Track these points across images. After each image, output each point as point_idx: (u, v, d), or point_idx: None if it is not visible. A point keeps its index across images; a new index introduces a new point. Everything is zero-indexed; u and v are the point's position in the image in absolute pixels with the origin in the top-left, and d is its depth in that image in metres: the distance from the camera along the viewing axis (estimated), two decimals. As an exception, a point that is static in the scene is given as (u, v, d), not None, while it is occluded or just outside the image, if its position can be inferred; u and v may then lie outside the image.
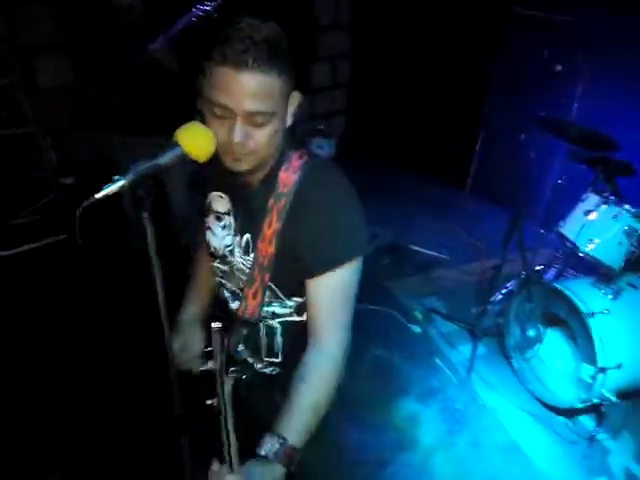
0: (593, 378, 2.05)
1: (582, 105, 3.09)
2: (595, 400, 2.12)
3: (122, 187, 0.81)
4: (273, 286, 1.08)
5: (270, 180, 1.02)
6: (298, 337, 1.13)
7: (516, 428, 2.24)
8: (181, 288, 1.35)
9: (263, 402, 1.25)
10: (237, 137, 0.88)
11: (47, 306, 2.73)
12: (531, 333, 2.36)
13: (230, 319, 1.20)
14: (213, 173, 1.08)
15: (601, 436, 2.16)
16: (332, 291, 1.01)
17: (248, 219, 1.08)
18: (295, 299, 1.11)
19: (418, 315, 2.88)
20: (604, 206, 2.22)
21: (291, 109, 0.97)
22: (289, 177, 1.01)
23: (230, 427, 0.89)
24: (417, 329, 2.78)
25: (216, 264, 1.19)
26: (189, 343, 1.26)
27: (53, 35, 3.41)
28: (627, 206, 2.18)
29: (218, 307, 1.28)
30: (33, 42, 3.34)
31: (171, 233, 3.16)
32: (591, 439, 2.13)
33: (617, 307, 2.13)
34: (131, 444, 1.98)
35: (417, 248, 3.47)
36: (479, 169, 4.46)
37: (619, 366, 2.05)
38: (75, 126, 3.75)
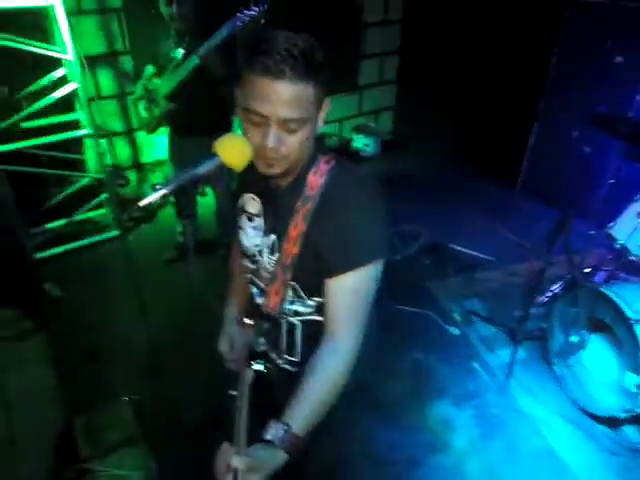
0: (639, 388, 1.95)
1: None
2: (639, 411, 2.02)
3: (163, 196, 0.89)
4: (296, 285, 1.13)
5: (299, 183, 1.07)
6: (317, 337, 1.17)
7: (554, 435, 2.18)
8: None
9: (282, 397, 1.31)
10: (271, 142, 0.94)
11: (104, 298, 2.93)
12: (574, 339, 2.27)
13: (256, 314, 1.26)
14: (247, 176, 1.14)
15: (646, 449, 2.06)
16: (349, 291, 1.05)
17: (276, 220, 1.13)
18: (316, 299, 1.15)
19: (457, 317, 2.83)
20: (657, 207, 2.10)
21: (322, 115, 1.02)
22: (316, 181, 1.05)
23: (244, 413, 0.94)
24: (455, 331, 2.75)
25: (246, 262, 1.25)
26: (237, 340, 1.34)
27: (113, 43, 3.63)
28: (681, 208, 2.06)
29: (249, 303, 1.35)
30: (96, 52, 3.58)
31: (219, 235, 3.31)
32: (635, 450, 2.03)
33: (668, 314, 2.01)
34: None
35: (460, 248, 3.40)
36: (531, 167, 4.29)
37: (668, 377, 1.94)
38: (131, 129, 3.97)
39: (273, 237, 1.14)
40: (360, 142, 4.91)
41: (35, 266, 3.17)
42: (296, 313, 1.18)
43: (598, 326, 2.23)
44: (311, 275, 1.09)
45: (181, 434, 2.05)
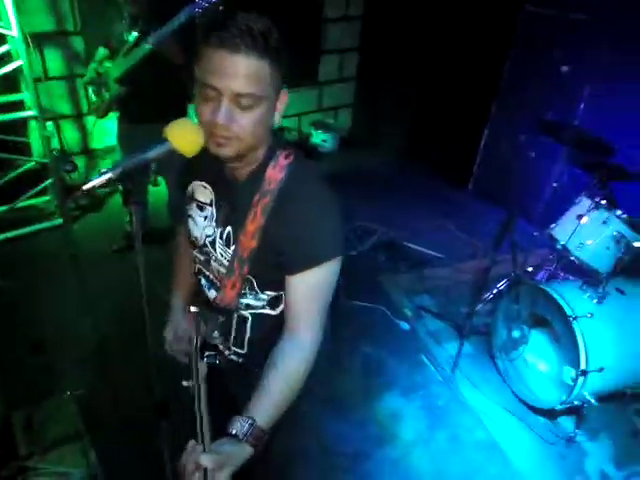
0: (574, 381, 2.07)
1: (588, 108, 3.06)
2: (576, 402, 2.14)
3: (109, 180, 0.86)
4: (252, 279, 1.12)
5: (257, 176, 1.06)
6: (266, 331, 1.17)
7: (496, 426, 2.27)
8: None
9: (234, 387, 1.30)
10: (221, 117, 0.91)
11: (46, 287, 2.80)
12: (516, 334, 2.37)
13: (207, 306, 1.24)
14: (198, 163, 1.11)
15: (580, 438, 2.18)
16: (310, 288, 1.06)
17: (231, 212, 1.11)
18: (269, 293, 1.14)
19: (407, 312, 2.90)
20: (595, 211, 2.23)
21: (280, 107, 1.00)
22: (276, 175, 1.04)
23: (203, 407, 0.93)
24: (405, 326, 2.81)
25: (195, 252, 1.23)
26: (181, 329, 1.33)
27: (63, 23, 3.46)
28: (618, 212, 2.19)
29: (195, 293, 1.33)
30: (44, 30, 3.40)
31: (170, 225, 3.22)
32: (569, 440, 2.16)
33: (602, 311, 2.13)
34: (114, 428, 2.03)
35: (413, 246, 3.48)
36: (482, 168, 4.45)
37: (601, 370, 2.06)
38: (80, 113, 3.80)
39: (229, 229, 1.12)
40: (318, 138, 4.92)
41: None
42: (247, 306, 1.17)
43: (539, 322, 2.34)
44: (269, 270, 1.09)
45: (126, 426, 2.00)
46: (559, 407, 2.16)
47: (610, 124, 2.80)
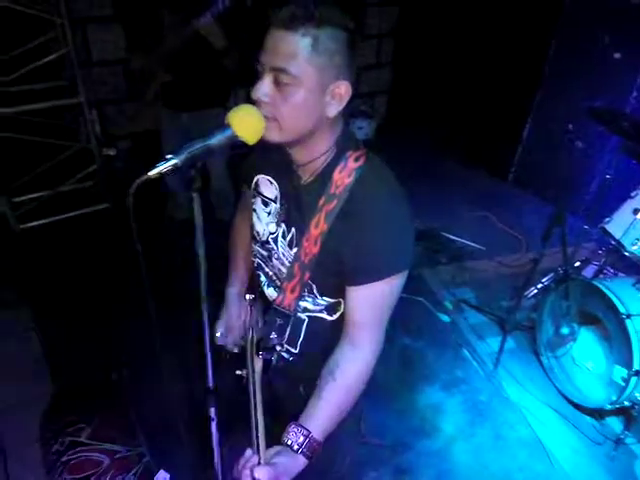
0: (626, 381, 2.00)
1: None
2: (626, 403, 2.07)
3: (174, 166, 0.84)
4: (310, 283, 1.10)
5: (323, 178, 1.02)
6: (321, 335, 1.16)
7: (540, 424, 2.22)
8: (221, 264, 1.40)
9: (277, 381, 1.28)
10: (258, 89, 0.91)
11: (87, 271, 2.86)
12: (565, 331, 2.30)
13: (264, 303, 1.24)
14: (265, 156, 1.10)
15: (629, 440, 2.12)
16: (372, 300, 1.03)
17: (296, 213, 1.08)
18: (327, 299, 1.12)
19: (448, 305, 2.85)
20: (654, 203, 2.13)
21: (337, 99, 0.95)
22: (343, 179, 1.00)
23: (260, 414, 0.94)
24: (446, 318, 2.77)
25: (257, 247, 1.21)
26: (235, 318, 1.33)
27: (106, 7, 3.49)
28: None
29: (252, 287, 1.32)
30: (87, 15, 3.43)
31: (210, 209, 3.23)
32: (618, 442, 2.09)
33: (658, 310, 2.05)
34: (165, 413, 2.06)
35: (453, 237, 3.41)
36: (523, 159, 4.31)
37: (655, 371, 1.99)
38: (123, 98, 3.84)
39: (293, 230, 1.09)
40: (354, 125, 4.86)
41: (19, 236, 3.09)
42: (305, 309, 1.15)
43: (589, 319, 2.27)
44: (329, 276, 1.06)
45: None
46: (608, 407, 2.09)
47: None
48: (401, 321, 2.72)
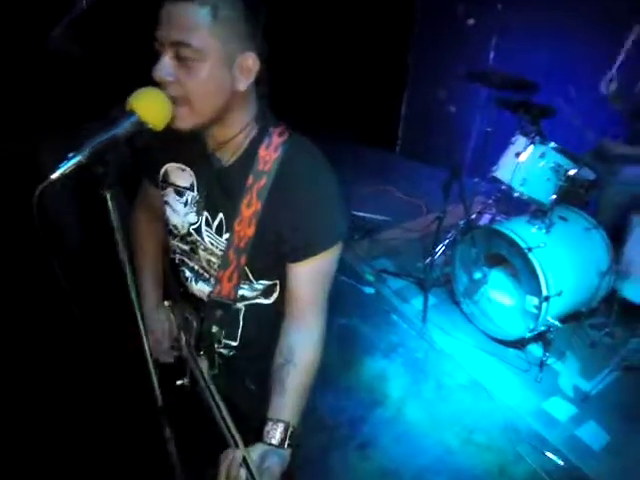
0: (538, 308, 2.20)
1: (498, 55, 3.22)
2: (542, 328, 2.28)
3: (79, 164, 0.75)
4: (246, 268, 1.04)
5: (248, 157, 0.97)
6: (259, 322, 1.13)
7: (474, 366, 2.37)
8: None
9: (228, 384, 1.22)
10: (159, 69, 0.84)
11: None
12: (477, 276, 2.48)
13: (192, 300, 1.16)
14: (173, 142, 1.00)
15: (550, 360, 2.34)
16: (315, 275, 1.01)
17: (221, 197, 1.02)
18: (264, 282, 1.08)
19: (369, 277, 2.94)
20: (532, 146, 2.36)
21: (245, 72, 0.90)
22: (270, 155, 0.96)
23: (223, 408, 0.90)
24: (370, 290, 2.85)
25: (176, 242, 1.12)
26: (163, 331, 1.23)
27: None
28: (552, 144, 2.33)
29: (174, 286, 1.24)
30: None
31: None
32: (541, 365, 2.30)
33: (551, 239, 2.29)
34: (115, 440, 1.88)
35: (359, 213, 3.52)
36: (407, 130, 4.57)
37: (560, 293, 2.22)
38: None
39: (220, 215, 1.03)
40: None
41: None
42: (242, 297, 1.10)
43: (497, 261, 2.47)
44: (266, 258, 1.02)
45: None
46: (528, 335, 2.30)
47: (521, 68, 2.96)
48: (330, 302, 2.75)
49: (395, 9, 4.11)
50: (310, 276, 1.01)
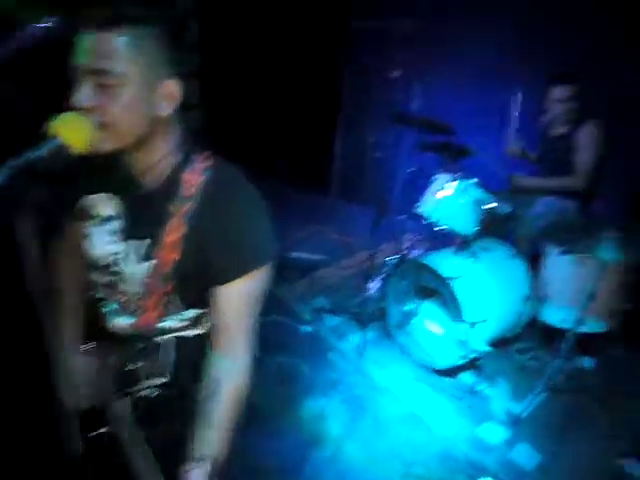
0: (465, 334, 2.29)
1: (420, 103, 3.46)
2: (472, 355, 2.36)
3: None
4: (173, 295, 1.02)
5: (172, 182, 0.98)
6: (190, 354, 1.09)
7: (411, 398, 2.40)
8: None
9: (155, 427, 1.14)
10: (80, 96, 0.84)
11: None
12: (408, 307, 2.56)
13: (113, 338, 1.12)
14: (91, 171, 0.99)
15: (481, 386, 2.41)
16: (242, 298, 1.00)
17: (146, 224, 1.00)
18: (193, 310, 1.06)
19: (307, 316, 2.95)
20: (453, 183, 2.52)
21: (167, 98, 0.91)
22: (194, 179, 0.97)
23: (146, 457, 0.87)
24: (308, 329, 2.85)
25: (96, 276, 1.08)
26: (82, 375, 1.16)
27: None
28: (472, 180, 2.52)
29: (92, 326, 1.18)
30: None
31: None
32: (473, 391, 2.36)
33: (475, 269, 2.42)
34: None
35: (296, 254, 3.56)
36: (340, 173, 4.76)
37: (485, 320, 2.33)
38: None
39: (147, 242, 1.00)
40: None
41: None
42: (170, 329, 1.06)
43: (427, 292, 2.56)
44: (194, 284, 1.01)
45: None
46: (459, 362, 2.37)
47: (440, 115, 3.20)
48: (269, 342, 2.72)
49: (324, 57, 4.36)
50: (237, 300, 0.99)
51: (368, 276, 2.89)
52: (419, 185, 2.92)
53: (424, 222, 2.64)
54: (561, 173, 2.75)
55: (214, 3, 4.05)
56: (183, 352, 1.10)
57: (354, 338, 2.74)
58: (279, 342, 2.74)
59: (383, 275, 3.04)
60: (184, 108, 0.96)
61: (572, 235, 2.32)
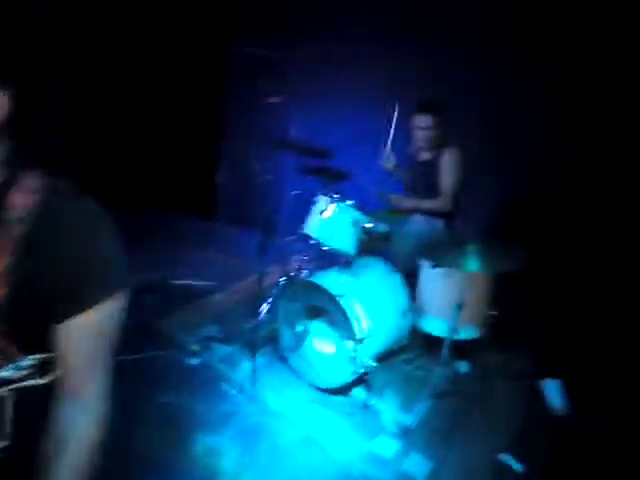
0: (355, 350, 2.34)
1: (298, 128, 3.56)
2: (361, 370, 2.42)
3: None
4: (8, 338, 0.85)
5: None
6: (35, 409, 0.93)
7: (305, 421, 2.38)
8: None
9: None
10: None
11: None
12: (299, 329, 2.55)
13: None
14: None
15: (372, 401, 2.47)
16: (87, 337, 0.88)
17: None
18: (35, 356, 0.90)
19: (195, 347, 2.80)
20: (332, 204, 2.59)
21: None
22: (23, 200, 0.83)
23: None
24: (195, 361, 2.70)
25: None
26: None
27: None
28: (349, 202, 2.61)
29: None
30: None
31: None
32: (364, 407, 2.41)
33: (359, 285, 2.50)
34: None
35: (181, 282, 3.40)
36: (225, 198, 4.70)
37: (371, 335, 2.40)
38: None
39: None
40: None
41: None
42: (8, 381, 0.89)
43: (316, 312, 2.58)
44: (30, 323, 0.86)
45: None
46: (350, 379, 2.41)
47: (320, 138, 3.32)
48: (153, 381, 2.54)
49: (204, 84, 4.31)
50: (81, 339, 0.87)
51: (258, 300, 2.84)
52: (304, 207, 2.97)
53: (311, 242, 2.68)
54: (429, 196, 2.98)
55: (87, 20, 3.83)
56: (24, 408, 0.94)
57: (246, 366, 2.66)
58: (164, 380, 2.57)
59: (273, 298, 3.01)
60: (10, 123, 0.84)
61: (441, 250, 2.50)
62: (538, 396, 2.65)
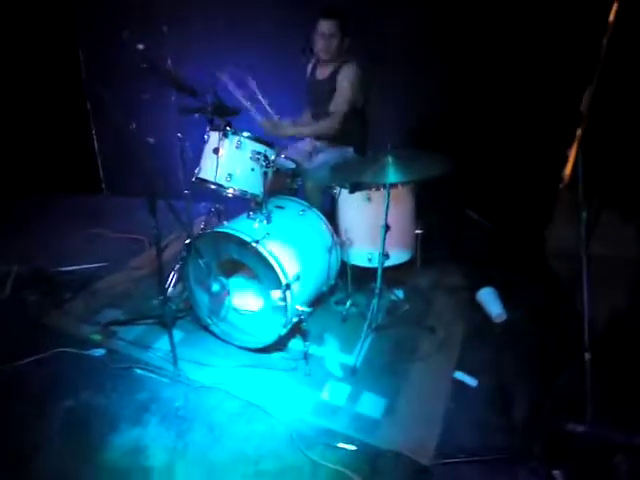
0: (284, 299, 2.06)
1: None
2: (294, 319, 2.15)
3: None
4: None
5: None
6: None
7: (243, 388, 2.08)
8: None
9: None
10: None
11: None
12: (216, 288, 2.21)
13: None
14: None
15: (312, 349, 2.23)
16: None
17: None
18: None
19: (96, 337, 2.36)
20: (226, 139, 2.22)
21: None
22: None
23: None
24: (100, 352, 2.28)
25: None
26: None
27: None
28: (245, 133, 2.24)
29: None
30: None
31: None
32: (306, 357, 2.16)
33: (274, 228, 2.20)
34: None
35: (67, 268, 2.88)
36: (107, 168, 4.13)
37: (298, 277, 2.13)
38: None
39: None
40: None
41: None
42: None
43: (230, 267, 2.25)
44: None
45: None
46: (284, 331, 2.15)
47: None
48: (53, 384, 2.10)
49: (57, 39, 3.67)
50: None
51: (163, 272, 2.42)
52: (197, 155, 2.57)
53: (209, 187, 2.30)
54: (322, 115, 2.70)
55: None
56: None
57: (163, 344, 2.29)
58: (66, 380, 2.13)
59: (180, 263, 2.62)
60: None
61: (355, 171, 2.25)
62: (476, 307, 2.58)
